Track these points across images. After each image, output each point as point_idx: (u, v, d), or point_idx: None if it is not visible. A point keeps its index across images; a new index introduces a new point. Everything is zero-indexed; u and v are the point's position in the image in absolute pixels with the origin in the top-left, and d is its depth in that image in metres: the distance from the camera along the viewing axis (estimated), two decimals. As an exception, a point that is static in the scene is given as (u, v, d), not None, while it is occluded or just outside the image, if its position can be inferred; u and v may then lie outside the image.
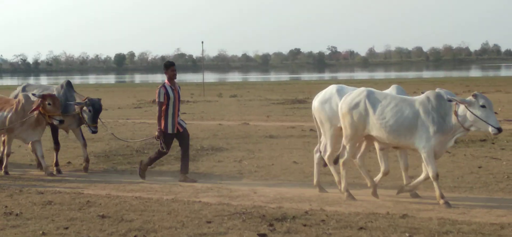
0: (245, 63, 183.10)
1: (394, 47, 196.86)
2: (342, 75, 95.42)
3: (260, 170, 12.76)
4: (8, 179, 12.31)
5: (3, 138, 13.19)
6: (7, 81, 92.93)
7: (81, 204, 9.58)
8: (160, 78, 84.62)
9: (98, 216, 8.73)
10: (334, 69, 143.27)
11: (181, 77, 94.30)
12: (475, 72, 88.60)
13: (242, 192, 10.59)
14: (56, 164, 13.13)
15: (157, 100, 11.99)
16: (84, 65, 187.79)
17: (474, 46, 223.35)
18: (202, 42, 49.61)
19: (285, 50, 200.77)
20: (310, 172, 12.22)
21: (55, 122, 12.35)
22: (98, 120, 13.05)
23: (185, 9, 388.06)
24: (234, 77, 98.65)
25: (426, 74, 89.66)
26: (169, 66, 12.11)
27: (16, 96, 13.54)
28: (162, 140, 11.79)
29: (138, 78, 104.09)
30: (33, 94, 12.65)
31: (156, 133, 11.90)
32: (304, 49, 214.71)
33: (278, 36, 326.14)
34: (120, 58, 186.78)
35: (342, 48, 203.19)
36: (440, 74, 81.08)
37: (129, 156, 14.68)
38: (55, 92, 13.06)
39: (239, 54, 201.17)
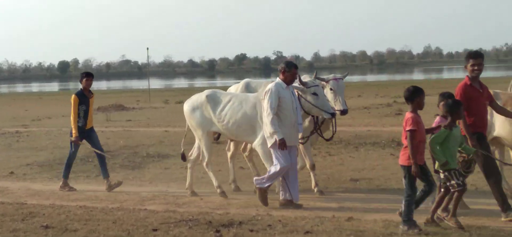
0: (191, 69, 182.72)
1: (339, 52, 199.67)
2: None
3: (206, 176, 12.64)
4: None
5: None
6: None
7: (24, 215, 9.40)
8: (105, 85, 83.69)
9: (42, 227, 8.57)
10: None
11: (126, 84, 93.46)
12: (418, 75, 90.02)
13: (189, 199, 10.57)
14: None
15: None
16: (27, 73, 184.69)
17: (417, 49, 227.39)
18: (148, 49, 49.23)
19: (231, 56, 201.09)
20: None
21: None
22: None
23: (130, 16, 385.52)
24: (180, 83, 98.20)
25: (370, 77, 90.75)
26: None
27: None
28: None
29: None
30: None
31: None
32: (250, 54, 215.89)
33: (224, 41, 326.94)
34: (64, 65, 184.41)
35: (287, 53, 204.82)
36: (383, 77, 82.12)
37: (73, 164, 14.41)
38: None
39: (185, 60, 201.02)
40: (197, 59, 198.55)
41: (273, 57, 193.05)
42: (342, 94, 10.51)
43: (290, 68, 9.70)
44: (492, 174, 8.54)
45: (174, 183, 12.16)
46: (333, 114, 9.99)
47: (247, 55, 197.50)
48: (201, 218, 8.87)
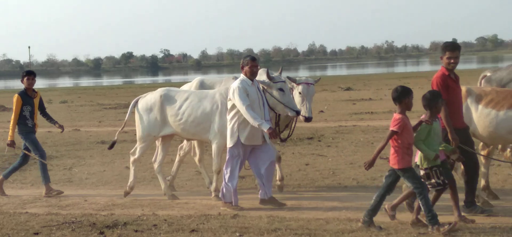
0: (76, 68, 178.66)
1: (226, 50, 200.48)
2: (175, 78, 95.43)
3: (91, 177, 12.52)
4: None
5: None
6: None
7: None
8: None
9: None
10: (168, 72, 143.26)
11: (7, 84, 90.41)
12: (303, 73, 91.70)
13: (72, 201, 10.36)
14: None
15: None
16: None
17: (302, 47, 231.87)
18: (29, 47, 47.93)
19: (117, 54, 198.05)
20: (142, 176, 12.13)
21: None
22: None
23: (9, 12, 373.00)
24: (65, 82, 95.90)
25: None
26: None
27: None
28: None
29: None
30: None
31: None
32: (137, 52, 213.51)
33: (109, 40, 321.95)
34: None
35: (175, 51, 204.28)
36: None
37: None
38: None
39: (70, 59, 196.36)
40: (82, 58, 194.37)
41: (160, 55, 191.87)
42: (310, 101, 10.24)
43: (247, 62, 9.35)
44: (471, 169, 8.46)
45: (56, 184, 11.85)
46: (298, 113, 9.69)
47: (133, 53, 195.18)
48: (85, 220, 8.71)
